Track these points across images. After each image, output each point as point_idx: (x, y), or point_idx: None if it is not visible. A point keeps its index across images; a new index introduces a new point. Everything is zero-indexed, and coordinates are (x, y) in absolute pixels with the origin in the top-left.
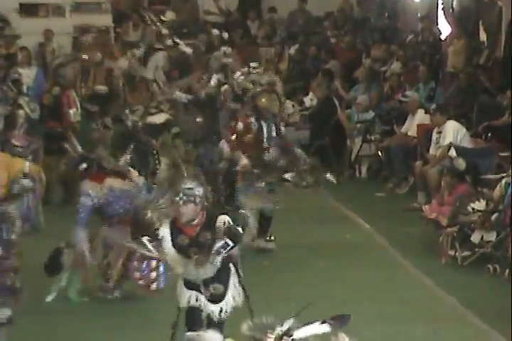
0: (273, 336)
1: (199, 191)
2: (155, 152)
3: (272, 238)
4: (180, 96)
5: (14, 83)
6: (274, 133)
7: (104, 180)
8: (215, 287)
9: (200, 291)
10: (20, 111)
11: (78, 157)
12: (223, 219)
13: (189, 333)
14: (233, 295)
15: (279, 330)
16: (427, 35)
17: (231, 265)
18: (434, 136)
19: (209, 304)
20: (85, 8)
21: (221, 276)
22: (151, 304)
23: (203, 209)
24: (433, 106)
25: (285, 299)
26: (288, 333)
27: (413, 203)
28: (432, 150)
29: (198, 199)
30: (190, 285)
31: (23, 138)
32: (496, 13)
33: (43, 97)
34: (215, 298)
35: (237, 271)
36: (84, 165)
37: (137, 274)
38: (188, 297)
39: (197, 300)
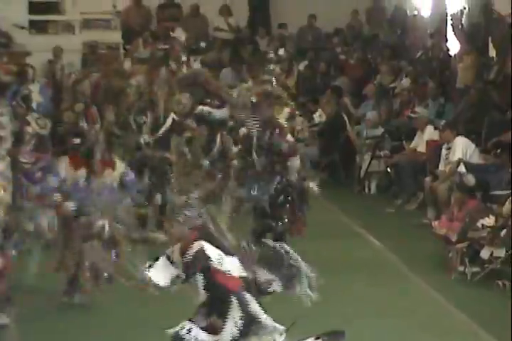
0: None
1: (189, 211)
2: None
3: None
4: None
5: (24, 99)
6: (265, 141)
7: (80, 169)
8: (214, 320)
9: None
10: (28, 128)
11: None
12: (197, 246)
13: None
14: (232, 330)
15: None
16: (436, 51)
17: (233, 298)
18: (444, 152)
19: (203, 334)
20: (95, 24)
21: (218, 308)
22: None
23: (194, 230)
24: (442, 122)
25: (295, 315)
26: None
27: (423, 219)
28: (441, 167)
29: (182, 219)
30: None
31: (29, 154)
32: (505, 29)
33: (59, 114)
34: (212, 330)
35: (242, 305)
36: (77, 141)
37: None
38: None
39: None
